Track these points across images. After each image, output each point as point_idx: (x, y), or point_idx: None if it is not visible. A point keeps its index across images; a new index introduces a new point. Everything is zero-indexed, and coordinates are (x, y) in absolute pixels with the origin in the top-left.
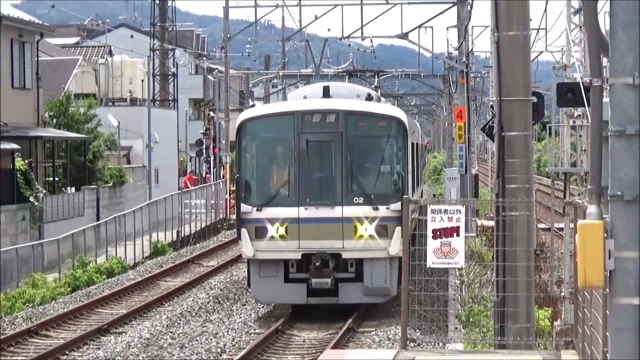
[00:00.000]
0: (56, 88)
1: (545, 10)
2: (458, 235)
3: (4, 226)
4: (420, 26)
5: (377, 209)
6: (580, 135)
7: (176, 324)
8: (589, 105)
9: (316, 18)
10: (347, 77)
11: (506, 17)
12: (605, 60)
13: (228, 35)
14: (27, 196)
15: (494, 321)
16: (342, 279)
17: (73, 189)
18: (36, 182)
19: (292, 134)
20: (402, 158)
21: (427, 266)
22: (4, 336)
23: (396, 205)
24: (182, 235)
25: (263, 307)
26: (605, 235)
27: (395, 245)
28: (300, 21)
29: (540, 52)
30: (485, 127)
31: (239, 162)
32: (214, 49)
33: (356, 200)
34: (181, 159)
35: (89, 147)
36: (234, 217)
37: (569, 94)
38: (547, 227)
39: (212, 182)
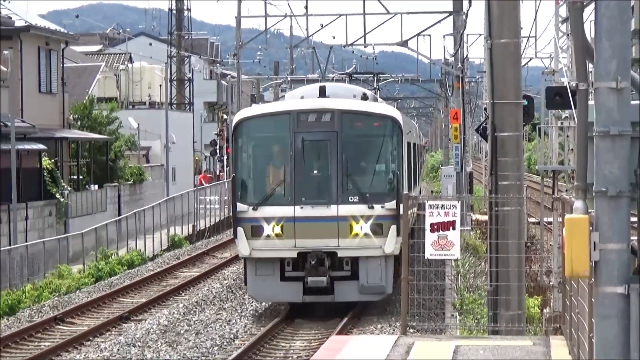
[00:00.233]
0: (80, 92)
1: (535, 19)
2: (454, 228)
3: (32, 221)
4: (418, 34)
5: (372, 207)
6: (567, 136)
7: (192, 311)
8: (575, 108)
9: (322, 27)
10: (347, 79)
11: (499, 26)
12: (590, 65)
13: (240, 43)
14: (54, 193)
15: (488, 309)
16: (338, 278)
17: (96, 186)
18: (62, 180)
19: (288, 133)
20: (398, 157)
21: (426, 257)
22: (33, 323)
23: (391, 204)
24: (198, 229)
25: None
26: (591, 228)
27: (390, 244)
28: (307, 30)
29: (531, 59)
30: (479, 128)
31: (235, 161)
32: (227, 56)
33: (351, 199)
34: (196, 158)
35: (111, 147)
36: None
37: (557, 97)
38: (537, 221)
39: (225, 180)
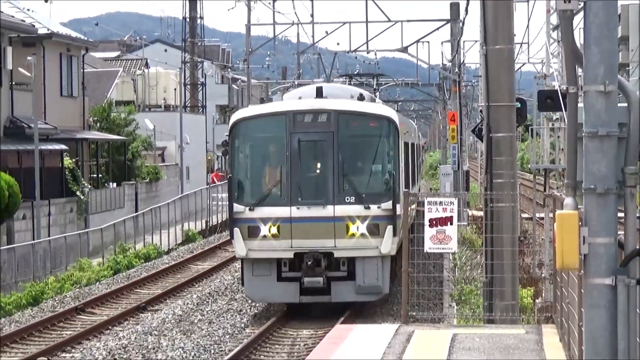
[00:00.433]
0: (99, 96)
1: (528, 26)
2: (451, 224)
3: (55, 217)
4: (418, 41)
5: (368, 208)
6: (558, 136)
7: (205, 302)
8: (565, 110)
9: (327, 34)
10: (348, 80)
11: (493, 33)
12: (579, 70)
13: (250, 50)
14: (75, 191)
15: (483, 299)
16: (335, 278)
17: (114, 184)
18: (82, 179)
19: (284, 134)
20: (394, 157)
21: (425, 251)
22: (55, 313)
23: (388, 204)
24: (210, 225)
25: None
26: (580, 223)
27: (386, 244)
28: (313, 37)
29: (523, 64)
30: (475, 129)
31: (231, 161)
32: (238, 62)
33: (348, 199)
34: (209, 157)
35: (128, 147)
36: None
37: (549, 100)
38: (529, 216)
39: None
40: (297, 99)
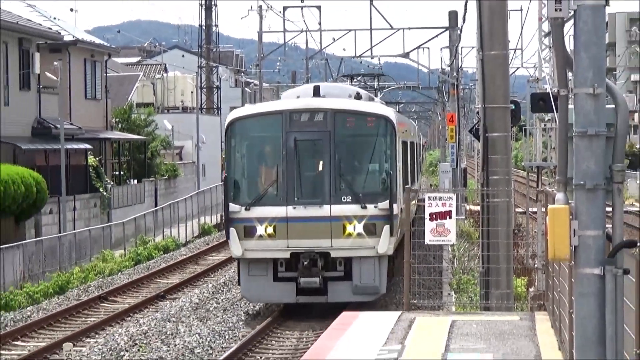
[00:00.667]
0: (121, 99)
1: (521, 33)
2: (450, 217)
3: (79, 212)
4: (419, 47)
5: (365, 207)
6: (550, 136)
7: (220, 291)
8: (557, 111)
9: (334, 40)
10: (349, 81)
11: (489, 40)
12: (570, 74)
13: (262, 55)
14: (98, 187)
15: (480, 288)
16: (331, 278)
17: (135, 181)
18: (105, 176)
19: (280, 133)
20: (391, 156)
21: (425, 243)
22: (80, 301)
23: (384, 204)
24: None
25: None
26: (571, 217)
27: (383, 244)
28: (320, 43)
29: (517, 68)
30: (472, 129)
31: (227, 161)
32: (250, 66)
33: (344, 199)
34: (223, 156)
35: (148, 146)
36: None
37: (541, 102)
38: (523, 211)
39: None
40: (295, 98)
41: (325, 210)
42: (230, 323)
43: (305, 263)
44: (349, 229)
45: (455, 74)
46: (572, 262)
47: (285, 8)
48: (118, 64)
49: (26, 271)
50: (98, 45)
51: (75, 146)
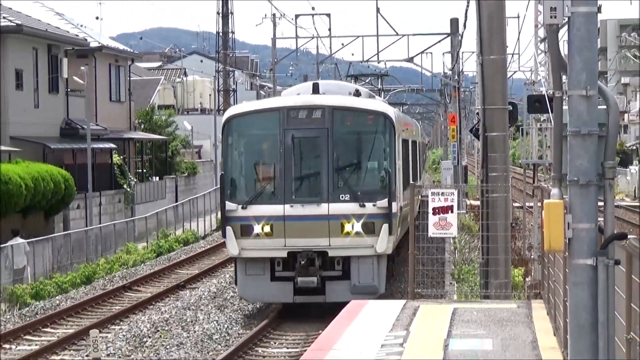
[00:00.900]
0: (143, 101)
1: (518, 39)
2: (452, 212)
3: (105, 207)
4: (422, 52)
5: (363, 206)
6: (545, 135)
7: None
8: (552, 112)
9: (343, 46)
10: (353, 80)
11: (488, 45)
12: (564, 77)
13: (275, 60)
14: (122, 184)
15: (480, 278)
16: (329, 277)
17: (157, 178)
18: (129, 173)
19: (278, 130)
20: (390, 154)
21: (429, 236)
22: (106, 290)
23: (383, 202)
24: None
25: None
26: (565, 211)
27: (382, 243)
28: (330, 48)
29: (515, 72)
30: (473, 129)
31: (224, 159)
32: (264, 71)
33: (342, 197)
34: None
35: (169, 146)
36: None
37: (537, 103)
38: (520, 205)
39: None
40: (295, 95)
41: (323, 208)
42: (247, 311)
43: (303, 262)
44: (347, 227)
45: (456, 77)
46: (567, 253)
47: (297, 16)
48: (141, 69)
49: (55, 263)
50: (122, 51)
51: (100, 145)
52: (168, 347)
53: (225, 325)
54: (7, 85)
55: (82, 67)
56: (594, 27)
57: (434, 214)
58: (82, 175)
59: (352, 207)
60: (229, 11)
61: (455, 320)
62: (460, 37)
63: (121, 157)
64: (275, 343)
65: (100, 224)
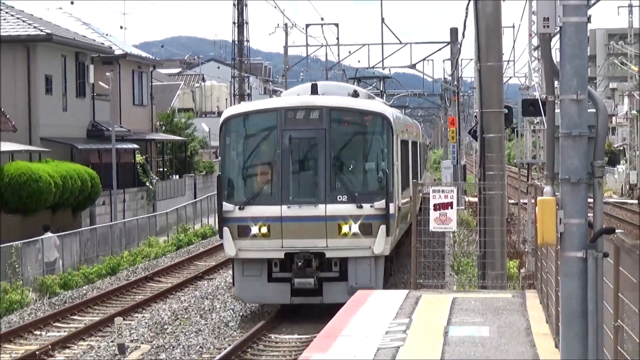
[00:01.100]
0: (165, 104)
1: (514, 47)
2: (452, 208)
3: (128, 203)
4: (424, 59)
5: (361, 207)
6: (538, 136)
7: None
8: (545, 115)
9: (350, 54)
10: (356, 82)
11: (485, 52)
12: (556, 82)
13: (287, 67)
14: (144, 182)
15: (478, 269)
16: (326, 279)
17: (177, 176)
18: (151, 172)
19: (275, 131)
20: (388, 155)
21: (430, 230)
22: (129, 281)
23: (380, 203)
24: None
25: None
26: (557, 207)
27: (379, 244)
28: (338, 56)
29: (510, 77)
30: (471, 130)
31: (222, 159)
32: (277, 77)
33: (340, 198)
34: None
35: (188, 146)
36: None
37: (531, 107)
38: (515, 202)
39: None
40: (293, 96)
41: (320, 209)
42: None
43: (300, 263)
44: (345, 228)
45: (455, 82)
46: (558, 246)
47: (307, 25)
48: (162, 75)
49: (82, 255)
50: (144, 58)
51: (124, 146)
52: (187, 333)
53: (241, 313)
54: (38, 90)
55: (107, 73)
56: (584, 36)
57: (434, 209)
58: (107, 173)
59: (349, 208)
60: (244, 21)
61: (455, 309)
62: (459, 46)
63: (143, 156)
64: (287, 329)
65: (124, 219)
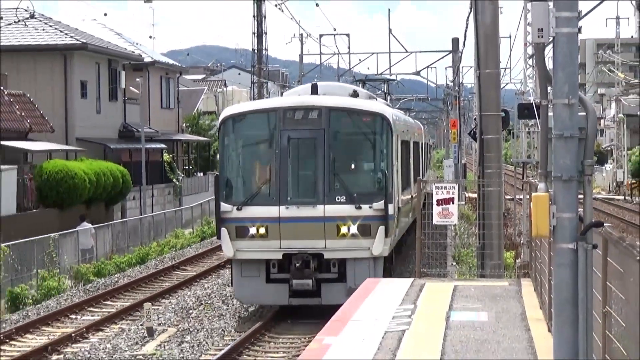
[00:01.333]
0: (190, 108)
1: (510, 55)
2: (453, 203)
3: (156, 198)
4: (428, 67)
5: (359, 208)
6: (533, 138)
7: None
8: (539, 118)
9: (360, 61)
10: (361, 84)
11: (484, 61)
12: (549, 88)
13: (302, 73)
14: (171, 178)
15: (477, 259)
16: (325, 280)
17: (201, 173)
18: (177, 169)
19: (274, 131)
20: (387, 155)
21: (433, 223)
22: (157, 269)
23: (379, 204)
24: None
25: None
26: (550, 202)
27: (378, 245)
28: (349, 63)
29: (507, 83)
30: (471, 132)
31: (220, 159)
32: (293, 83)
33: (338, 199)
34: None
35: (211, 146)
36: None
37: (526, 111)
38: (511, 197)
39: None
40: (292, 96)
41: (318, 210)
42: None
43: (298, 264)
44: (343, 229)
45: (457, 88)
46: (551, 238)
47: (321, 35)
48: (187, 80)
49: (114, 246)
50: (171, 65)
51: (153, 146)
52: (210, 317)
53: None
54: (74, 95)
55: (138, 79)
56: (574, 46)
57: (437, 204)
58: (137, 171)
59: (348, 209)
60: (263, 32)
61: (456, 295)
62: (460, 54)
63: (170, 155)
64: (302, 314)
65: (152, 212)
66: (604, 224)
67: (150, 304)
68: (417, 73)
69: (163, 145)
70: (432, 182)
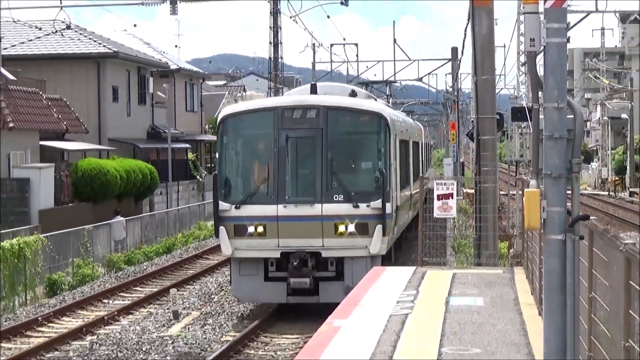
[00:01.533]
0: (212, 111)
1: (504, 63)
2: (452, 198)
3: (181, 193)
4: (429, 73)
5: (357, 206)
6: (525, 138)
7: None
8: (531, 120)
9: (367, 68)
10: (364, 87)
11: (481, 67)
12: (540, 93)
13: (314, 80)
14: (195, 175)
15: (474, 249)
16: (322, 278)
17: None
18: (200, 167)
19: (272, 130)
20: (385, 155)
21: (434, 216)
22: (182, 258)
23: (377, 203)
24: None
25: None
26: (541, 197)
27: (376, 244)
28: (357, 70)
29: (501, 89)
30: (468, 133)
31: (219, 158)
32: None
33: (336, 197)
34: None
35: None
36: None
37: (519, 114)
38: (505, 193)
39: None
40: (291, 95)
41: (316, 209)
42: None
43: (295, 263)
44: (341, 228)
45: (455, 93)
46: (542, 230)
47: (332, 45)
48: (210, 86)
49: (143, 236)
50: (195, 72)
51: (178, 146)
52: (230, 302)
53: None
54: (106, 99)
55: (164, 85)
56: (564, 54)
57: (438, 199)
58: (164, 168)
59: (345, 208)
60: (279, 41)
61: (455, 282)
62: (458, 62)
63: (194, 154)
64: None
65: (178, 206)
66: (590, 217)
67: (176, 289)
68: (420, 79)
69: (187, 145)
70: (433, 178)
